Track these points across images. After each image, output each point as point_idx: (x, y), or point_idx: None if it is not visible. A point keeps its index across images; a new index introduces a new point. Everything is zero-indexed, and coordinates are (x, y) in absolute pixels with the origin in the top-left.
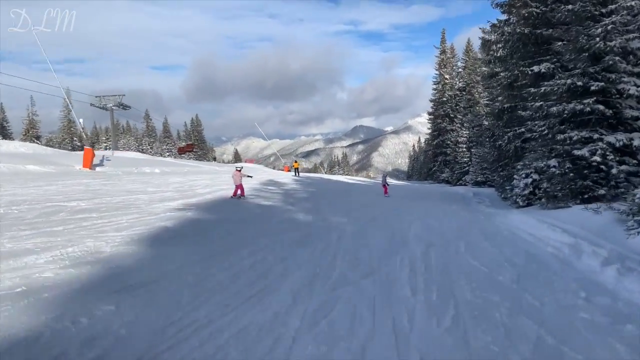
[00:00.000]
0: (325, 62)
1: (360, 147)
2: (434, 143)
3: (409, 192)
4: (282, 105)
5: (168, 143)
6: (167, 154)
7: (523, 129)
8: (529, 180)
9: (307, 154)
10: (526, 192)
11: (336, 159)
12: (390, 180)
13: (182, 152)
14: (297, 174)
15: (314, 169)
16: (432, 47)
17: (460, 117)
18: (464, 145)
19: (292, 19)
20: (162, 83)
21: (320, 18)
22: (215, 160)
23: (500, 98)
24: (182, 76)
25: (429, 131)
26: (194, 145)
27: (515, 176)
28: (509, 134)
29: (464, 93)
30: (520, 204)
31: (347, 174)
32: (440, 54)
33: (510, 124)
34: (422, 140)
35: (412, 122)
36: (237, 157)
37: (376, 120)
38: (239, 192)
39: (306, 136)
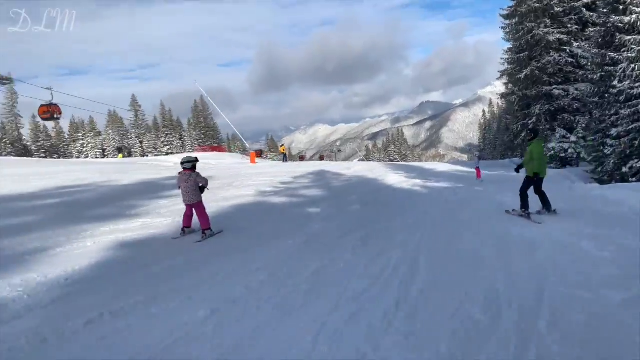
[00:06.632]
0: (388, 39)
1: (428, 124)
2: (519, 78)
3: None
4: (346, 88)
5: (168, 135)
6: (167, 147)
7: None
8: None
9: (374, 136)
10: None
11: (391, 138)
12: None
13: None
14: (285, 160)
15: (370, 155)
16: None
17: None
18: None
19: None
20: (231, 79)
21: None
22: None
23: None
24: (247, 70)
25: (504, 67)
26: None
27: None
28: None
29: None
30: None
31: (401, 158)
32: None
33: None
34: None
35: (482, 92)
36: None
37: (444, 94)
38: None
39: (371, 118)
